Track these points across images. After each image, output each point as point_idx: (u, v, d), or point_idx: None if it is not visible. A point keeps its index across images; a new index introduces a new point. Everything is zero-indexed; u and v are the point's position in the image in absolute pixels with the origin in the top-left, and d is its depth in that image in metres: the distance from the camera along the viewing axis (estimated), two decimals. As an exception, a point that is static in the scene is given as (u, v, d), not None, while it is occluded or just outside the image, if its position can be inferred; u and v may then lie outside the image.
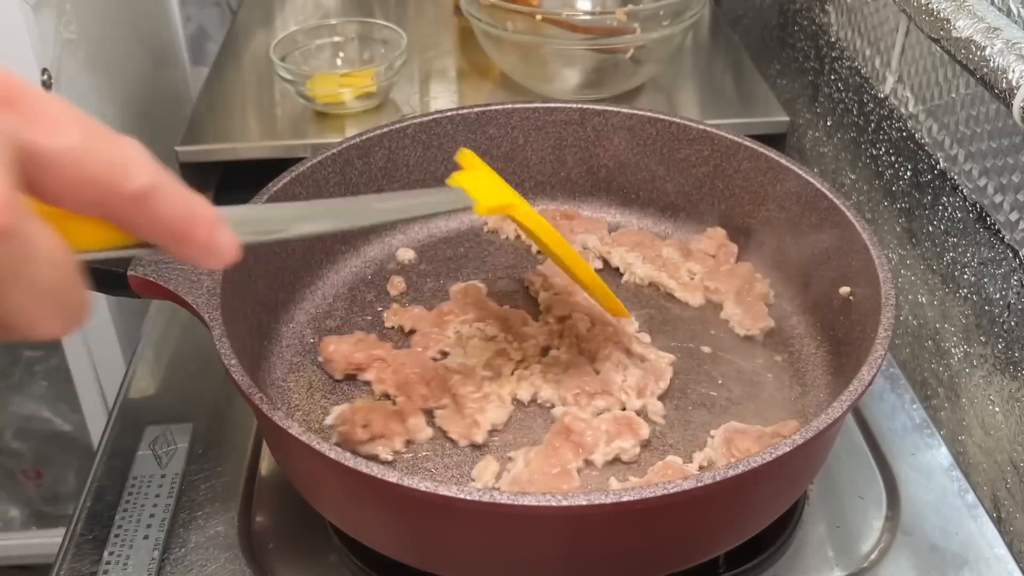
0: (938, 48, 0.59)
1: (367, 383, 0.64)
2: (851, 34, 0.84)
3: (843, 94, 0.86)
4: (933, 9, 0.58)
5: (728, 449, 0.58)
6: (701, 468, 0.58)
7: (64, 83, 0.89)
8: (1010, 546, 0.60)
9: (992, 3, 0.58)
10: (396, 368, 0.64)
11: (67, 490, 1.32)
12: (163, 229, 0.33)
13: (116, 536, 0.60)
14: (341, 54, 1.04)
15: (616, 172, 0.78)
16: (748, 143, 0.72)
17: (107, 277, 0.60)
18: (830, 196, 0.65)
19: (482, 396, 0.62)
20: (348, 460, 0.46)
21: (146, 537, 0.60)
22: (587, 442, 0.58)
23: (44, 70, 0.85)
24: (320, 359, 0.66)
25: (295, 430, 0.48)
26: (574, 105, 0.77)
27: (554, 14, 0.95)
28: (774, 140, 0.96)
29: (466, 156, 0.59)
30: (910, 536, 0.60)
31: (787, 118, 0.97)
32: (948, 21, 0.57)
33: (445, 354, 0.66)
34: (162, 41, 1.29)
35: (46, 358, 1.23)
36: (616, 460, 0.58)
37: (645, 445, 0.59)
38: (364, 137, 0.72)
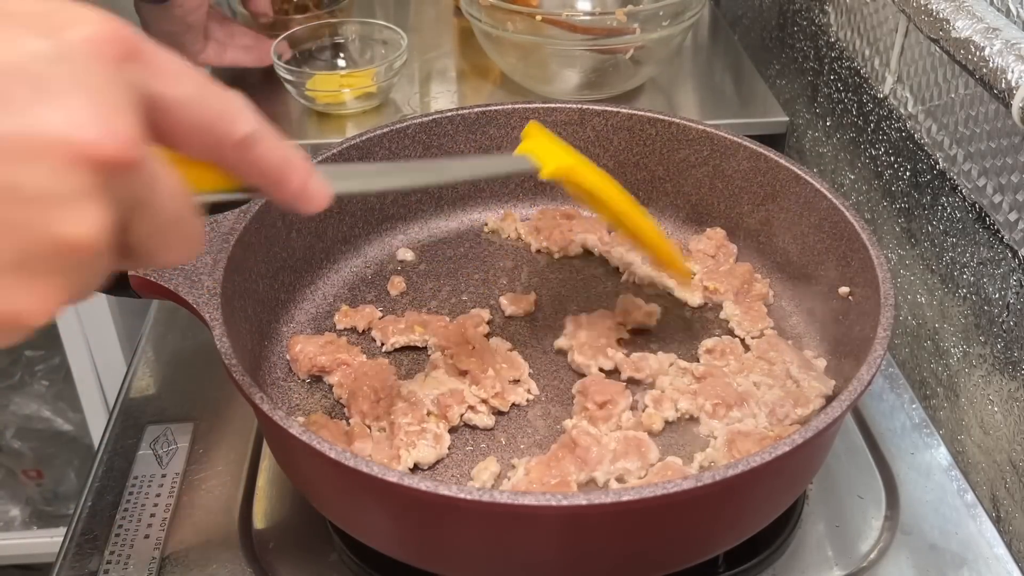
0: (937, 48, 0.59)
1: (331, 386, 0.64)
2: (850, 34, 0.84)
3: (842, 94, 0.86)
4: (932, 9, 0.58)
5: (730, 451, 0.58)
6: (702, 468, 0.58)
7: (65, 83, 0.90)
8: (1009, 546, 0.60)
9: (991, 3, 0.58)
10: (357, 376, 0.63)
11: (68, 489, 1.32)
12: (263, 173, 0.37)
13: (117, 536, 0.60)
14: (341, 54, 1.04)
15: (616, 172, 0.78)
16: (748, 143, 0.72)
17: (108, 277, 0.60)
18: (829, 196, 0.65)
19: (418, 430, 0.59)
20: (349, 460, 0.46)
21: (147, 536, 0.60)
22: (592, 458, 0.57)
23: (45, 70, 0.85)
24: (287, 357, 0.66)
25: (295, 429, 0.48)
26: (574, 105, 0.77)
27: (554, 15, 0.95)
28: (773, 140, 0.96)
29: (532, 128, 0.60)
30: (909, 535, 0.61)
31: (786, 118, 0.97)
32: (947, 21, 0.57)
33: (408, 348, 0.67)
34: (162, 41, 1.29)
35: (47, 357, 1.23)
36: (620, 480, 0.57)
37: (651, 466, 0.58)
38: (364, 137, 0.73)
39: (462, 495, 0.45)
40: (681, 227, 0.78)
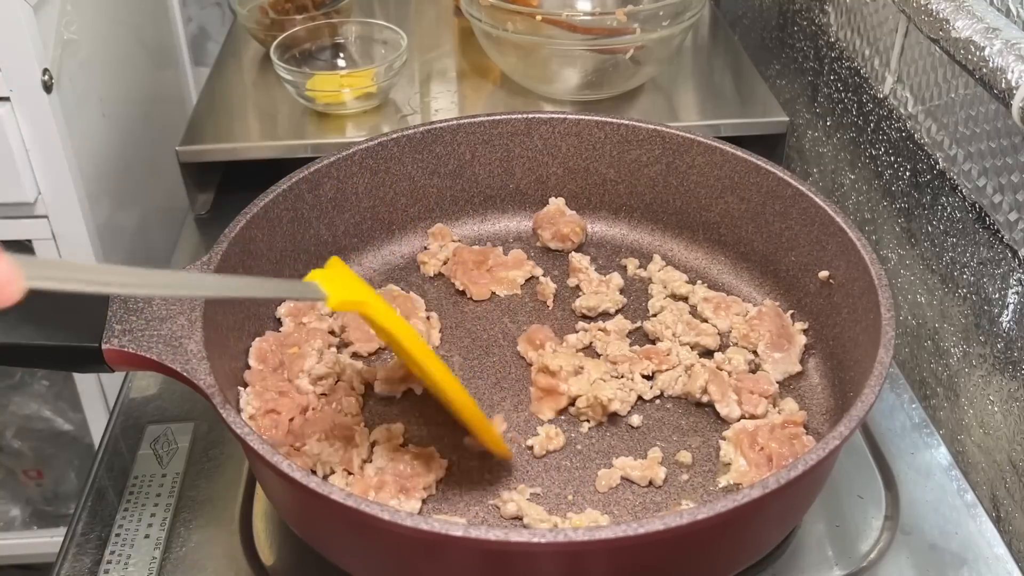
0: (937, 48, 0.59)
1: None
2: (850, 34, 0.84)
3: (842, 94, 0.86)
4: (932, 9, 0.58)
5: (751, 450, 0.58)
6: (726, 490, 0.58)
7: (64, 83, 0.90)
8: (1009, 545, 0.60)
9: (991, 3, 0.58)
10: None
11: (68, 489, 1.32)
12: None
13: (117, 535, 0.60)
14: (341, 54, 1.04)
15: (566, 179, 0.78)
16: (701, 139, 0.72)
17: (77, 353, 0.55)
18: (794, 183, 0.66)
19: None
20: (352, 501, 0.45)
21: (147, 536, 0.60)
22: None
23: (45, 70, 0.85)
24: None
25: (337, 495, 0.46)
26: (520, 115, 0.76)
27: (554, 15, 0.95)
28: (773, 140, 0.96)
29: (333, 261, 0.56)
30: (909, 535, 0.61)
31: (786, 118, 0.97)
32: (947, 21, 0.57)
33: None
34: (162, 41, 1.29)
35: (47, 358, 1.23)
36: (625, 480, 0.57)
37: (659, 488, 0.58)
38: (312, 169, 0.70)
39: (456, 533, 0.44)
40: (635, 228, 0.78)
